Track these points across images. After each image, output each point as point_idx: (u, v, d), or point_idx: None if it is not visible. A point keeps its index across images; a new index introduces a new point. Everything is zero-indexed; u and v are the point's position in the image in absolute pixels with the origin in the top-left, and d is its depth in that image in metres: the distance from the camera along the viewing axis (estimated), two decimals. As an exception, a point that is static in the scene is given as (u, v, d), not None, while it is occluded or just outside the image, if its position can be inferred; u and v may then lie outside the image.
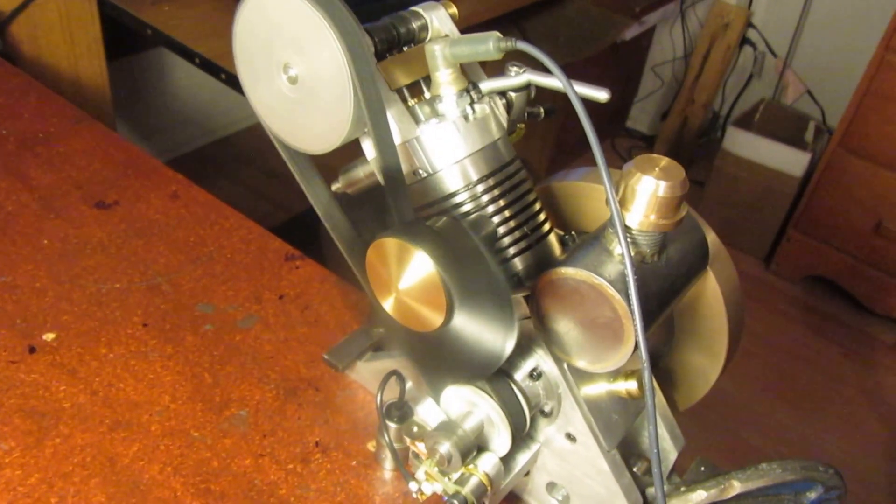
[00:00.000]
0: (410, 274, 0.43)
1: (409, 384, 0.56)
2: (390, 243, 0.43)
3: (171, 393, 0.61)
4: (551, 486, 0.56)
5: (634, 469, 0.58)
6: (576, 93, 0.45)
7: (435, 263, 0.42)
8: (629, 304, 0.43)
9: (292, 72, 0.44)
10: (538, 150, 2.64)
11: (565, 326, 0.47)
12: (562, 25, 1.94)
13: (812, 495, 0.55)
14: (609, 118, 2.88)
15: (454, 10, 0.53)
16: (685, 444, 0.59)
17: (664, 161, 0.44)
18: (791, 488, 0.55)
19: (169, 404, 0.60)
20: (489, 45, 0.47)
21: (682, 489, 0.55)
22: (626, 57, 2.63)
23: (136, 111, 1.74)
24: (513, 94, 0.53)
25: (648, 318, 0.46)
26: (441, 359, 0.47)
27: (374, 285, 0.45)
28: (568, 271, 0.45)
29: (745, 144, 2.32)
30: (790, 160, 2.26)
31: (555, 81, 0.50)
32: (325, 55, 0.42)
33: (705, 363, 0.57)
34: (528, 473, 0.56)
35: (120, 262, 0.71)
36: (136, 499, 0.54)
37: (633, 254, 0.45)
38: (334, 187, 0.53)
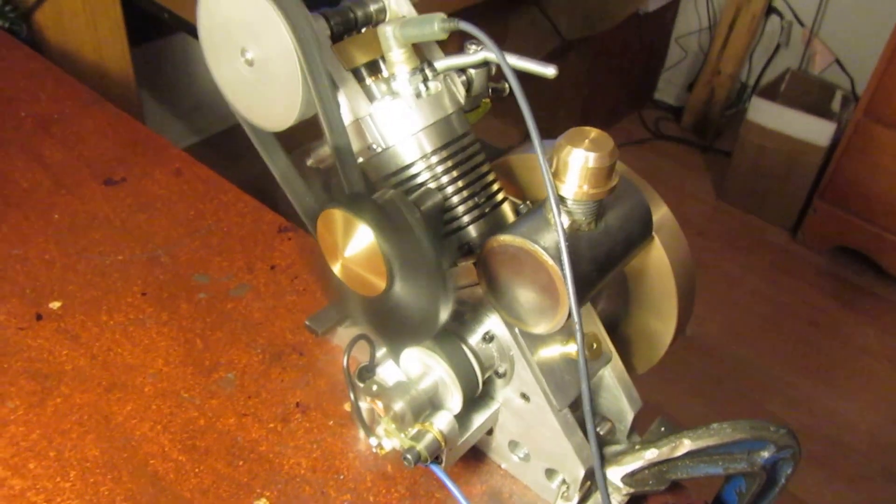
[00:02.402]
0: (355, 243, 0.45)
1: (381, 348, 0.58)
2: (336, 214, 0.45)
3: (165, 357, 0.65)
4: (513, 445, 0.58)
5: (600, 430, 0.60)
6: (511, 68, 0.47)
7: (375, 234, 0.44)
8: (562, 270, 0.45)
9: (248, 55, 0.47)
10: (563, 123, 2.63)
11: (509, 291, 0.49)
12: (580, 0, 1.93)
13: (765, 454, 0.56)
14: (635, 89, 2.85)
15: (414, -9, 0.55)
16: (649, 405, 0.60)
17: (594, 133, 0.46)
18: (744, 447, 0.56)
19: (162, 367, 0.64)
20: (434, 25, 0.48)
21: (637, 447, 0.57)
22: (651, 28, 2.60)
23: (165, 94, 1.78)
24: (472, 72, 0.55)
25: (585, 282, 0.48)
26: (387, 322, 0.49)
27: (325, 251, 0.48)
28: (507, 238, 0.47)
29: (769, 114, 2.28)
30: (815, 130, 2.22)
31: (515, 60, 0.52)
32: (275, 41, 0.44)
33: (659, 327, 0.58)
34: (491, 432, 0.59)
35: (124, 236, 0.74)
36: (128, 453, 0.58)
37: (569, 222, 0.47)
38: (308, 163, 0.55)
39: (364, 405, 0.56)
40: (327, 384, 0.64)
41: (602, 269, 0.49)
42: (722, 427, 0.55)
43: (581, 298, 0.50)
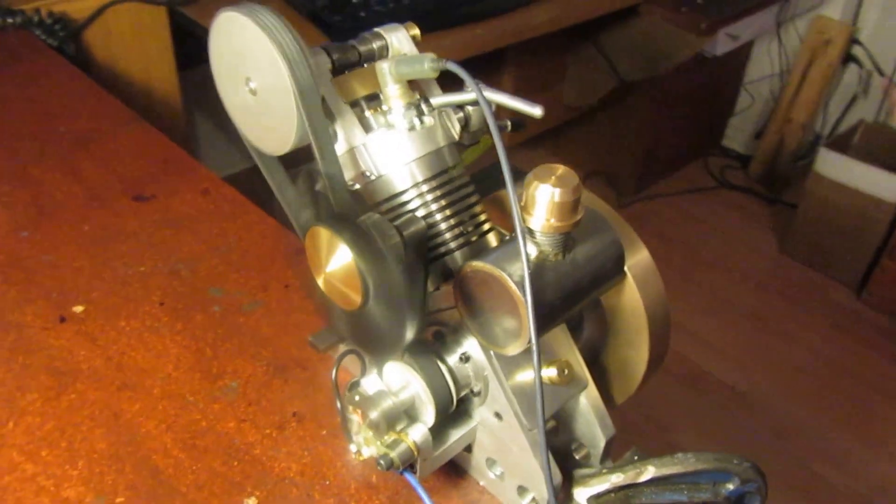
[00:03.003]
0: (336, 260, 0.54)
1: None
2: (322, 232, 0.54)
3: (175, 363, 0.74)
4: (490, 462, 0.65)
5: (576, 455, 0.67)
6: (489, 108, 0.55)
7: (353, 254, 0.52)
8: (524, 296, 0.53)
9: (252, 85, 0.56)
10: (628, 165, 2.69)
11: (480, 314, 0.57)
12: (639, 39, 2.01)
13: (730, 486, 0.62)
14: (702, 135, 2.91)
15: (416, 31, 0.64)
16: (619, 436, 0.67)
17: (561, 170, 0.53)
18: (709, 478, 0.62)
19: (171, 372, 0.73)
20: (424, 64, 0.57)
21: (604, 471, 0.64)
22: (720, 72, 2.67)
23: (217, 119, 1.91)
24: (470, 109, 0.63)
25: (550, 309, 0.55)
26: (362, 334, 0.57)
27: (311, 265, 0.56)
28: (478, 265, 0.55)
29: (838, 167, 2.32)
30: (887, 185, 2.25)
31: (500, 97, 0.60)
32: (274, 74, 0.53)
33: (633, 360, 0.65)
34: (470, 449, 0.66)
35: (148, 249, 0.84)
36: (133, 448, 0.67)
37: (537, 252, 0.55)
38: (317, 187, 0.64)
39: (355, 417, 0.64)
40: (325, 398, 0.72)
41: (568, 299, 0.57)
42: (686, 457, 0.62)
43: (546, 325, 0.57)
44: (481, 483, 0.67)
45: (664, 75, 2.24)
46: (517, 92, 1.70)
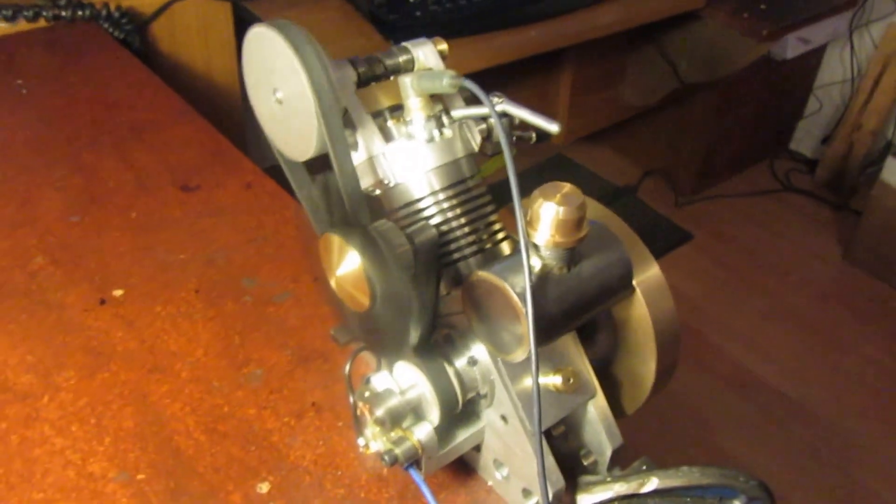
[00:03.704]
0: (346, 264, 0.56)
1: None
2: (333, 238, 0.56)
3: (204, 348, 0.77)
4: (497, 463, 0.67)
5: (584, 461, 0.67)
6: (501, 124, 0.56)
7: (362, 261, 0.54)
8: (525, 306, 0.54)
9: (278, 95, 0.58)
10: (689, 164, 2.66)
11: (485, 321, 0.58)
12: (700, 43, 1.99)
13: (736, 503, 0.62)
14: (768, 138, 2.86)
15: (443, 46, 0.65)
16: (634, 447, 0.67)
17: (566, 187, 0.54)
18: (715, 493, 0.62)
19: (200, 357, 0.76)
20: (443, 81, 0.58)
21: (608, 479, 0.64)
22: (789, 76, 2.61)
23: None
24: (492, 121, 0.64)
25: (552, 321, 0.56)
26: (370, 335, 0.59)
27: (324, 266, 0.58)
28: (483, 275, 0.56)
29: (905, 176, 2.26)
30: (956, 197, 2.19)
31: (518, 111, 0.61)
32: (296, 86, 0.55)
33: (642, 373, 0.66)
34: (479, 450, 0.67)
35: (189, 238, 0.87)
36: (157, 427, 0.70)
37: (540, 265, 0.56)
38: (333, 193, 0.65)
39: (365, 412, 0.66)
40: (344, 390, 0.74)
41: (571, 312, 0.57)
42: (691, 470, 0.62)
43: (548, 336, 0.58)
44: (489, 483, 0.69)
45: (730, 76, 2.20)
46: (575, 89, 1.72)
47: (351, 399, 0.65)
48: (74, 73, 1.11)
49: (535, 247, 0.55)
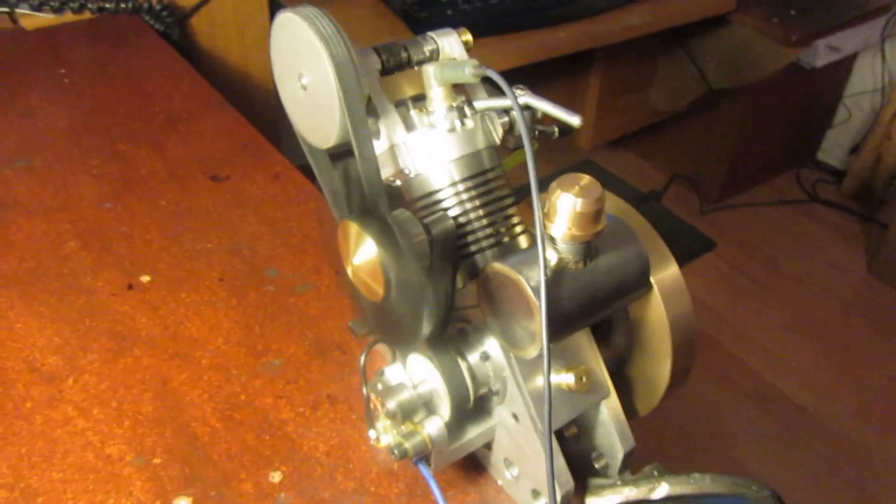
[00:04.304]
0: (363, 253, 0.53)
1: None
2: (352, 226, 0.53)
3: (225, 336, 0.74)
4: (507, 462, 0.64)
5: (595, 464, 0.64)
6: (523, 117, 0.53)
7: (378, 250, 0.52)
8: (539, 300, 0.50)
9: (304, 81, 0.55)
10: (714, 171, 2.60)
11: (500, 315, 0.55)
12: (729, 48, 1.93)
13: (748, 512, 0.59)
14: (795, 147, 2.79)
15: (468, 37, 0.62)
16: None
17: (585, 179, 0.51)
18: (726, 502, 0.59)
19: (221, 345, 0.74)
20: (465, 70, 0.55)
21: (619, 483, 0.61)
22: (818, 84, 2.54)
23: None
24: (514, 114, 0.61)
25: (566, 316, 0.53)
26: (384, 324, 0.56)
27: (341, 255, 0.56)
28: (498, 267, 0.53)
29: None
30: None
31: (541, 104, 0.58)
32: (321, 72, 0.53)
33: (656, 375, 0.62)
34: (490, 448, 0.64)
35: (215, 227, 0.85)
36: (175, 413, 0.68)
37: (556, 259, 0.53)
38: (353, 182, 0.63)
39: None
40: (360, 382, 0.72)
41: (586, 307, 0.54)
42: (703, 477, 0.59)
43: (562, 331, 0.55)
44: (499, 482, 0.66)
45: (758, 83, 2.15)
46: (603, 92, 1.68)
47: (364, 391, 0.63)
48: (115, 63, 1.09)
49: (552, 240, 0.52)
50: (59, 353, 0.72)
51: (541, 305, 0.50)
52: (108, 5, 1.15)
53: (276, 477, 0.64)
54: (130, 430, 0.66)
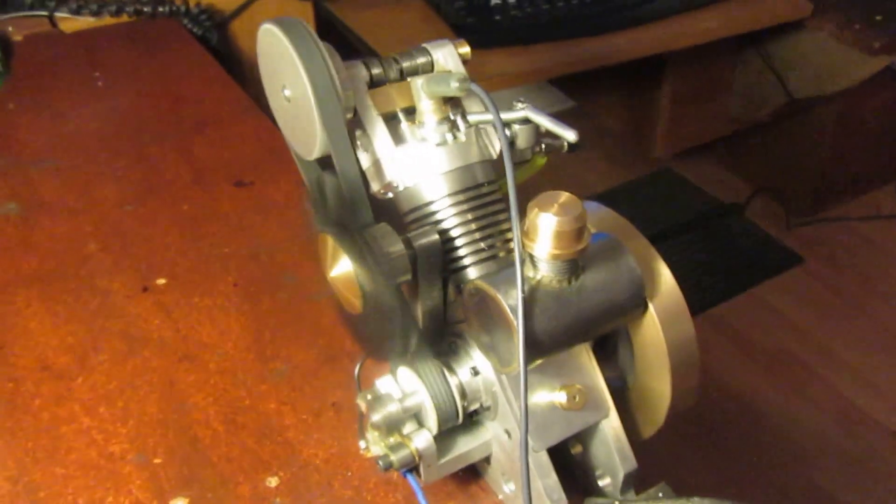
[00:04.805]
0: (340, 266, 0.57)
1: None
2: (328, 239, 0.58)
3: (235, 341, 0.80)
4: (505, 477, 0.67)
5: (599, 482, 0.67)
6: (504, 133, 0.57)
7: (353, 266, 0.56)
8: (516, 318, 0.54)
9: (286, 93, 0.60)
10: (803, 183, 2.57)
11: (482, 331, 0.58)
12: (808, 55, 1.91)
13: (747, 542, 0.61)
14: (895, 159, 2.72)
15: (466, 49, 0.65)
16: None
17: (564, 197, 0.54)
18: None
19: (229, 350, 0.79)
20: (451, 84, 0.59)
21: (616, 502, 0.64)
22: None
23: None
24: (516, 128, 0.64)
25: (547, 336, 0.56)
26: (363, 337, 0.60)
27: (322, 264, 0.60)
28: (478, 283, 0.56)
29: None
30: None
31: (538, 118, 0.62)
32: (300, 86, 0.57)
33: (657, 395, 0.65)
34: (489, 462, 0.68)
35: (235, 232, 0.91)
36: (179, 415, 0.73)
37: (538, 277, 0.56)
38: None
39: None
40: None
41: (571, 327, 0.57)
42: (702, 502, 0.61)
43: (543, 350, 0.58)
44: (499, 497, 0.69)
45: (848, 91, 2.11)
46: (676, 99, 1.69)
47: (359, 402, 0.67)
48: (149, 67, 1.17)
49: (533, 258, 0.56)
50: (70, 352, 0.78)
51: (518, 324, 0.54)
52: (146, 9, 1.22)
53: (272, 482, 0.69)
54: (134, 429, 0.72)
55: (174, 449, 0.71)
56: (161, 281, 0.85)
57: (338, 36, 1.39)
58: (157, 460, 0.70)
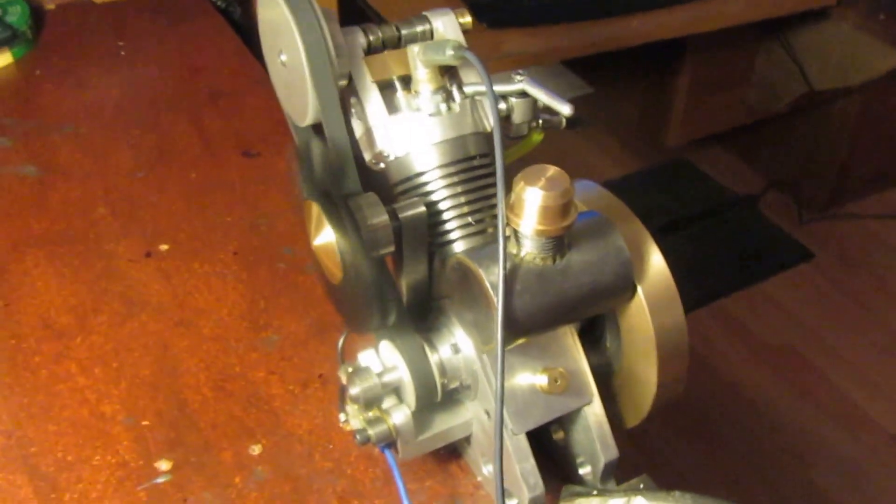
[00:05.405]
0: (323, 235, 0.54)
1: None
2: (313, 206, 0.54)
3: (230, 308, 0.77)
4: (484, 459, 0.63)
5: (580, 470, 0.63)
6: (495, 105, 0.53)
7: (335, 236, 0.52)
8: (496, 296, 0.50)
9: (282, 57, 0.57)
10: (818, 178, 2.49)
11: (464, 307, 0.55)
12: (831, 45, 1.84)
13: (727, 539, 0.57)
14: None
15: (467, 18, 0.61)
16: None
17: (551, 171, 0.50)
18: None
19: (224, 316, 0.76)
20: (446, 52, 0.55)
21: (595, 493, 0.60)
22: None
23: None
24: (513, 101, 0.60)
25: (529, 314, 0.52)
26: (342, 307, 0.57)
27: (307, 232, 0.56)
28: (460, 258, 0.53)
29: None
30: None
31: (534, 91, 0.58)
32: (295, 51, 0.54)
33: (642, 382, 0.60)
34: (469, 442, 0.64)
35: (239, 201, 0.88)
36: (170, 379, 0.71)
37: (522, 254, 0.52)
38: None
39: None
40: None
41: (554, 306, 0.53)
42: (683, 497, 0.57)
43: (524, 330, 0.54)
44: (478, 478, 0.65)
45: (871, 84, 2.03)
46: (694, 87, 1.63)
47: (340, 376, 0.64)
48: (171, 38, 1.14)
49: (518, 234, 0.52)
50: (72, 312, 0.76)
51: (498, 301, 0.50)
52: (175, -19, 1.19)
53: (255, 449, 0.66)
54: (126, 391, 0.70)
55: (163, 412, 0.68)
56: (164, 247, 0.82)
57: (359, 13, 1.35)
58: (145, 422, 0.67)
